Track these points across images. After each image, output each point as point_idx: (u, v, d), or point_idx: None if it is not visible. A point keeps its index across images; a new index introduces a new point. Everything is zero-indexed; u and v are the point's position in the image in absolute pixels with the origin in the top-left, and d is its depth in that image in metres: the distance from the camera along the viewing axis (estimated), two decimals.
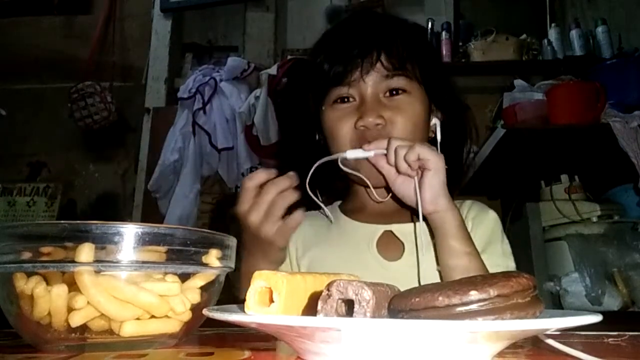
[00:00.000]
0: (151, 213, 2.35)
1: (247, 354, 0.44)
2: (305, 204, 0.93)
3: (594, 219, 1.81)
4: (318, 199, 0.86)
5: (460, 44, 2.49)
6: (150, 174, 2.36)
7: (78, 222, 0.44)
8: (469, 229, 0.84)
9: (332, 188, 0.96)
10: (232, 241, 0.54)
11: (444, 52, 2.43)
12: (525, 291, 0.36)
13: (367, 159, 0.78)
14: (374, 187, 0.83)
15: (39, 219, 2.55)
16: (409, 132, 0.81)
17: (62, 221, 0.44)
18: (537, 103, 1.79)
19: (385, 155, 0.75)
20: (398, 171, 0.75)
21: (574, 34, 2.41)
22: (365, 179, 0.82)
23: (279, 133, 2.08)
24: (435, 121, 0.87)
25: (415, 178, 0.74)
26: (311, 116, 0.91)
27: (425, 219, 0.75)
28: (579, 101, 1.71)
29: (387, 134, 0.80)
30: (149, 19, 2.76)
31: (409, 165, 0.73)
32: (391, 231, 0.86)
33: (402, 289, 0.71)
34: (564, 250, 1.76)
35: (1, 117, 2.59)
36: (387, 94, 0.84)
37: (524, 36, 2.45)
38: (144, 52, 2.73)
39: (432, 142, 0.85)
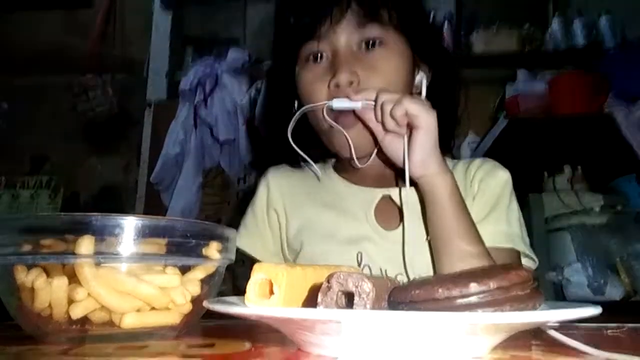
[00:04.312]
0: (154, 205, 2.36)
1: (247, 345, 0.44)
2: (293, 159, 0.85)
3: (597, 209, 1.80)
4: (304, 154, 0.78)
5: (463, 35, 2.48)
6: (152, 166, 2.37)
7: (78, 214, 0.44)
8: (474, 192, 0.78)
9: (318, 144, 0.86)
10: (232, 233, 0.54)
11: (446, 43, 2.41)
12: (525, 283, 0.36)
13: (353, 112, 0.71)
14: (358, 157, 0.75)
15: (43, 211, 2.56)
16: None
17: (62, 213, 0.44)
18: (540, 93, 1.79)
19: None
20: (385, 129, 0.69)
21: (577, 24, 2.38)
22: (347, 137, 0.73)
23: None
24: (420, 76, 0.79)
25: (405, 138, 0.67)
26: (286, 81, 0.82)
27: (415, 183, 0.69)
28: (582, 91, 1.70)
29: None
30: (149, 12, 2.75)
31: (397, 123, 0.66)
32: (389, 196, 0.80)
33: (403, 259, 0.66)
34: (566, 241, 1.76)
35: (3, 110, 2.59)
36: (363, 47, 0.75)
37: (526, 27, 2.43)
38: (145, 45, 2.72)
39: None
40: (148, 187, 2.43)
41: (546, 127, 1.74)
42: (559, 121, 1.69)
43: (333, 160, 0.90)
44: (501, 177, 0.81)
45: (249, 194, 0.92)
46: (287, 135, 0.75)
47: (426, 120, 0.65)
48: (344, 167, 0.87)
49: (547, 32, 2.41)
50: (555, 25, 2.43)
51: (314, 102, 0.75)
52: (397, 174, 0.79)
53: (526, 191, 1.94)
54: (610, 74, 1.74)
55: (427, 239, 0.72)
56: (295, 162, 0.85)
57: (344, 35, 0.75)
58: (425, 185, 0.69)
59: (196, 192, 2.29)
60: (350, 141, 0.74)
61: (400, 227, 0.76)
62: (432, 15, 2.44)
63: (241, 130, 2.32)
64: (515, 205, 0.80)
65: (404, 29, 0.77)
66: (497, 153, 1.82)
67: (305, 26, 0.76)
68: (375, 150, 0.76)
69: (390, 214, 0.79)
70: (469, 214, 0.69)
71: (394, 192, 0.79)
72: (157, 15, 2.73)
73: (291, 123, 0.74)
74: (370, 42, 0.75)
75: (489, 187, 0.79)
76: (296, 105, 0.83)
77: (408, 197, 0.72)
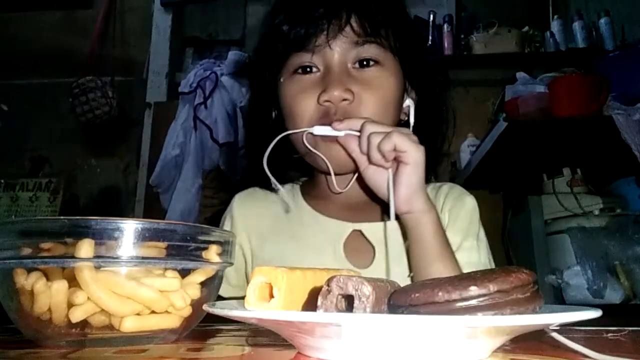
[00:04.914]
0: (153, 207, 2.36)
1: (247, 349, 0.44)
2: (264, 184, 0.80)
3: (596, 212, 1.81)
4: (277, 182, 0.71)
5: (462, 36, 2.48)
6: (152, 168, 2.37)
7: (78, 217, 0.44)
8: (445, 222, 0.76)
9: (295, 164, 0.82)
10: (232, 237, 0.54)
11: (446, 44, 2.41)
12: (525, 286, 0.35)
13: (336, 139, 0.68)
14: (339, 174, 0.72)
15: (42, 214, 2.56)
16: (380, 111, 0.70)
17: (62, 217, 0.44)
18: (539, 96, 1.78)
19: (358, 137, 0.66)
20: (370, 161, 0.66)
21: (576, 25, 2.39)
22: (327, 163, 0.70)
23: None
24: (409, 102, 0.77)
25: (390, 171, 0.65)
26: (267, 89, 0.78)
27: (397, 217, 0.66)
28: (581, 93, 1.70)
29: (354, 111, 0.69)
30: (149, 12, 2.75)
31: (383, 156, 0.63)
32: (360, 231, 0.76)
33: None
34: (566, 244, 1.76)
35: (3, 112, 2.59)
36: (357, 64, 0.72)
37: (526, 28, 2.44)
38: (145, 46, 2.72)
39: (404, 125, 0.76)
40: (147, 190, 2.43)
41: (545, 129, 1.73)
42: (558, 123, 1.69)
43: (301, 181, 0.87)
44: (469, 205, 0.80)
45: None
46: (263, 153, 0.69)
47: (415, 156, 0.63)
48: (315, 191, 0.83)
49: (547, 34, 2.42)
50: (555, 27, 2.44)
51: (299, 115, 0.72)
52: (382, 207, 0.75)
53: (525, 193, 1.95)
54: (610, 76, 1.74)
55: (409, 275, 0.69)
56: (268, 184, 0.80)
57: (340, 51, 0.71)
58: (410, 222, 0.67)
59: (195, 194, 2.29)
60: (330, 165, 0.71)
61: (373, 265, 0.73)
62: (432, 17, 2.45)
63: (241, 132, 2.32)
64: (482, 232, 0.79)
65: (400, 52, 0.75)
66: (497, 155, 1.82)
67: (299, 37, 0.71)
68: (354, 177, 0.74)
69: (361, 251, 0.75)
70: (452, 250, 0.68)
71: (365, 227, 0.76)
72: (157, 16, 2.74)
73: (267, 150, 0.68)
74: (365, 61, 0.73)
75: (459, 216, 0.78)
76: (274, 115, 0.80)
77: (380, 234, 0.71)
